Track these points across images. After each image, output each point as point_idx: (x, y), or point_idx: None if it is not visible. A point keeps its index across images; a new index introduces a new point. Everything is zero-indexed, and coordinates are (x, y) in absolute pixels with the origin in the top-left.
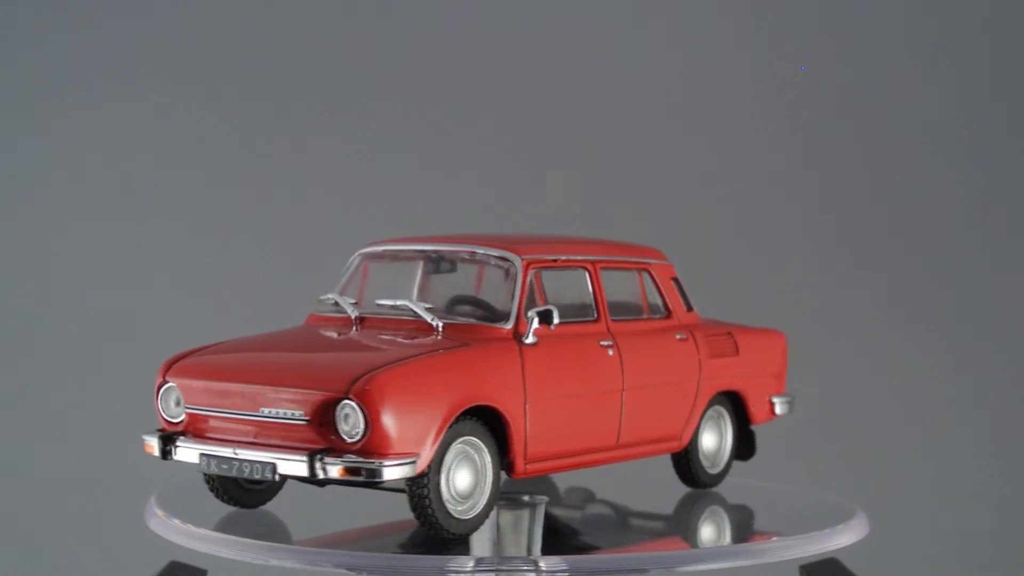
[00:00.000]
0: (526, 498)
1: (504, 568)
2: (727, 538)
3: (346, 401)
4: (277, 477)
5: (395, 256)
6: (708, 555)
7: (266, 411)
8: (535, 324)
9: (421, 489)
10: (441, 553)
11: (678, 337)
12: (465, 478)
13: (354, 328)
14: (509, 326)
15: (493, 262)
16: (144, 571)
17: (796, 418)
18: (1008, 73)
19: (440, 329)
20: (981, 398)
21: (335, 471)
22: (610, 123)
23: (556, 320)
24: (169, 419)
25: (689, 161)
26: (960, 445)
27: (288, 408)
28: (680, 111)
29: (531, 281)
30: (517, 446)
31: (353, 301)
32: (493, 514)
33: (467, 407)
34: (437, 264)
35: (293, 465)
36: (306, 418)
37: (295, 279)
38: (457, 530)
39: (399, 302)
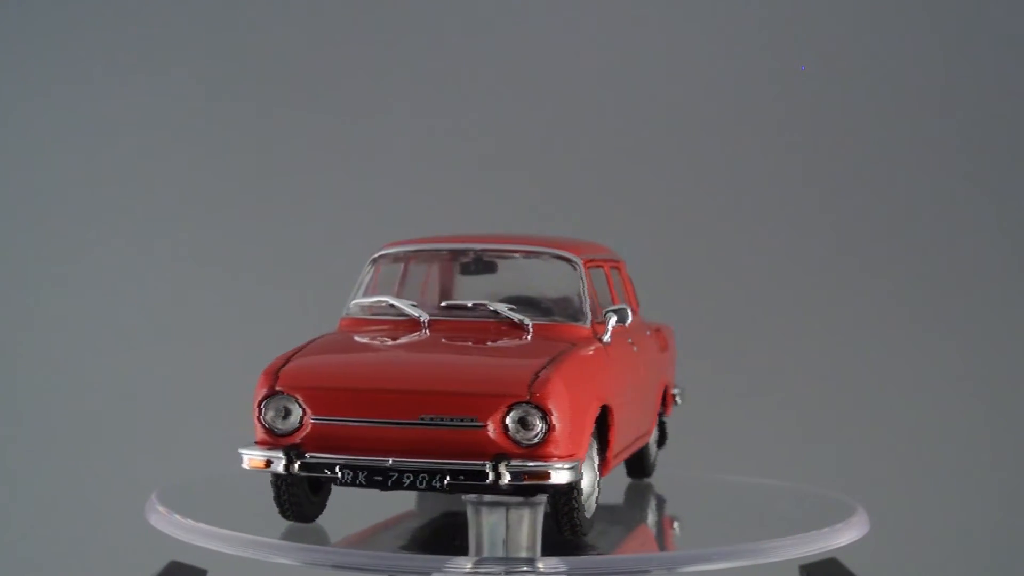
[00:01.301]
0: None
1: (502, 569)
2: (727, 538)
3: (526, 404)
4: (446, 485)
5: (431, 256)
6: (708, 555)
7: (428, 417)
8: (613, 323)
9: (571, 490)
10: (439, 553)
11: (648, 333)
12: (587, 477)
13: (424, 330)
14: (588, 325)
15: (553, 262)
16: (144, 571)
17: (796, 418)
18: (1009, 72)
19: (531, 329)
20: (981, 398)
21: (519, 476)
22: (609, 123)
23: (629, 319)
24: (276, 431)
25: (671, 162)
26: (960, 445)
27: (458, 413)
28: (680, 111)
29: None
30: (613, 443)
31: (414, 303)
32: (493, 514)
33: (600, 407)
34: (475, 264)
35: (467, 471)
36: (480, 423)
37: (292, 281)
38: (587, 531)
39: (479, 303)
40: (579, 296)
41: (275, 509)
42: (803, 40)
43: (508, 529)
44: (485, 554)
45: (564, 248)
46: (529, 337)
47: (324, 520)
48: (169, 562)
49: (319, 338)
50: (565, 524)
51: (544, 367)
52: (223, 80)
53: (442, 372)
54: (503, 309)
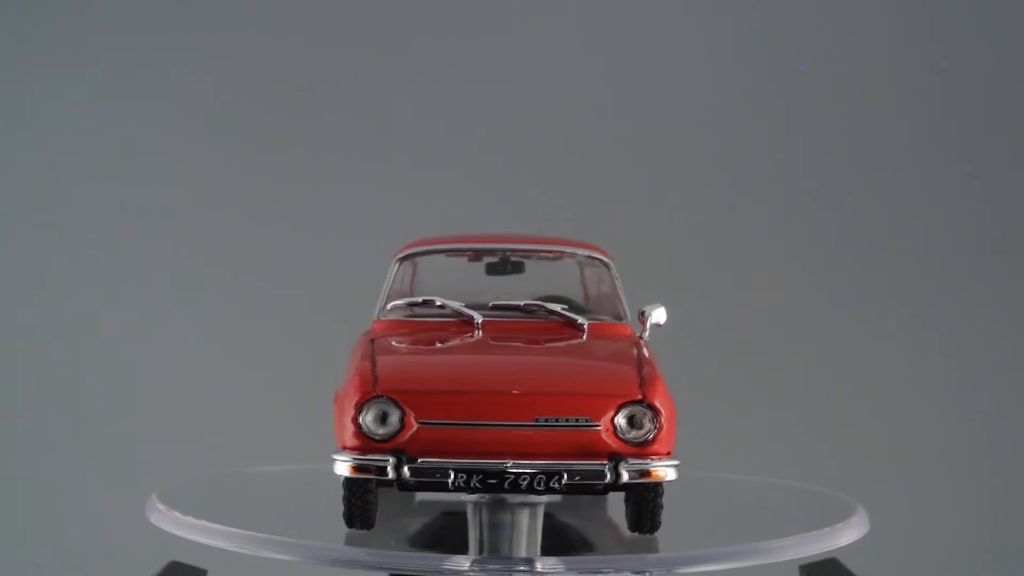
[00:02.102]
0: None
1: (501, 568)
2: (727, 538)
3: (638, 404)
4: (563, 486)
5: (459, 256)
6: (708, 555)
7: (543, 419)
8: (652, 321)
9: (659, 487)
10: (439, 552)
11: None
12: None
13: (477, 331)
14: (629, 323)
15: (586, 262)
16: (144, 571)
17: (796, 417)
18: (1009, 71)
19: (587, 329)
20: (982, 398)
21: (636, 475)
22: (610, 123)
23: (665, 318)
24: (374, 437)
25: (667, 164)
26: (961, 444)
27: (572, 414)
28: (681, 111)
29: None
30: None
31: (464, 304)
32: (493, 513)
33: None
34: (503, 264)
35: (586, 472)
36: (594, 423)
37: (293, 281)
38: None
39: (531, 303)
40: (615, 295)
41: (276, 508)
42: (803, 40)
43: (508, 528)
44: (484, 553)
45: (596, 248)
46: (585, 336)
47: (324, 518)
48: (169, 562)
49: (380, 339)
50: (647, 521)
51: (641, 366)
52: (224, 80)
53: (551, 373)
54: (558, 309)
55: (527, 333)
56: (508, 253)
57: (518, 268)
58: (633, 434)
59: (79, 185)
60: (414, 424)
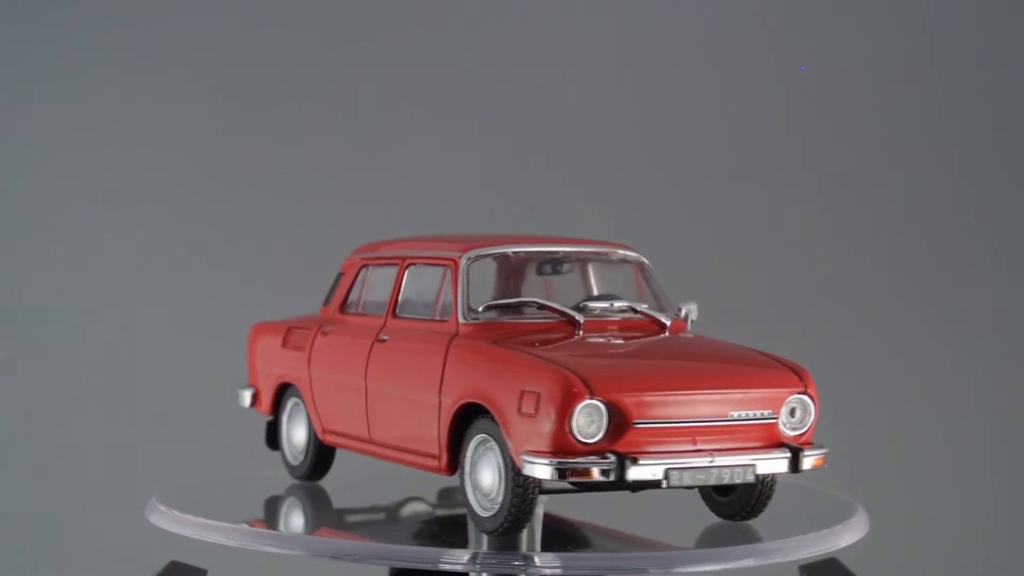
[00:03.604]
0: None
1: (500, 563)
2: (727, 538)
3: (802, 395)
4: (758, 478)
5: (512, 258)
6: (707, 555)
7: (736, 414)
8: (691, 317)
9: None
10: (439, 546)
11: None
12: None
13: (579, 330)
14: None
15: (637, 263)
16: (144, 571)
17: None
18: (1009, 70)
19: (671, 326)
20: (982, 397)
21: (809, 464)
22: (608, 122)
23: (696, 314)
24: (584, 440)
25: (670, 161)
26: (960, 444)
27: (758, 408)
28: (680, 111)
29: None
30: None
31: (574, 305)
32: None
33: None
34: (556, 265)
35: (773, 463)
36: (774, 416)
37: (295, 281)
38: None
39: (620, 303)
40: (661, 294)
41: (275, 508)
42: (803, 40)
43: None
44: (484, 548)
45: (628, 248)
46: (667, 333)
47: (323, 517)
48: (169, 562)
49: (515, 341)
50: (759, 508)
51: (775, 359)
52: (223, 79)
53: (734, 370)
54: (643, 308)
55: (630, 331)
56: (566, 255)
57: (570, 270)
58: (792, 424)
59: (79, 185)
60: (627, 425)
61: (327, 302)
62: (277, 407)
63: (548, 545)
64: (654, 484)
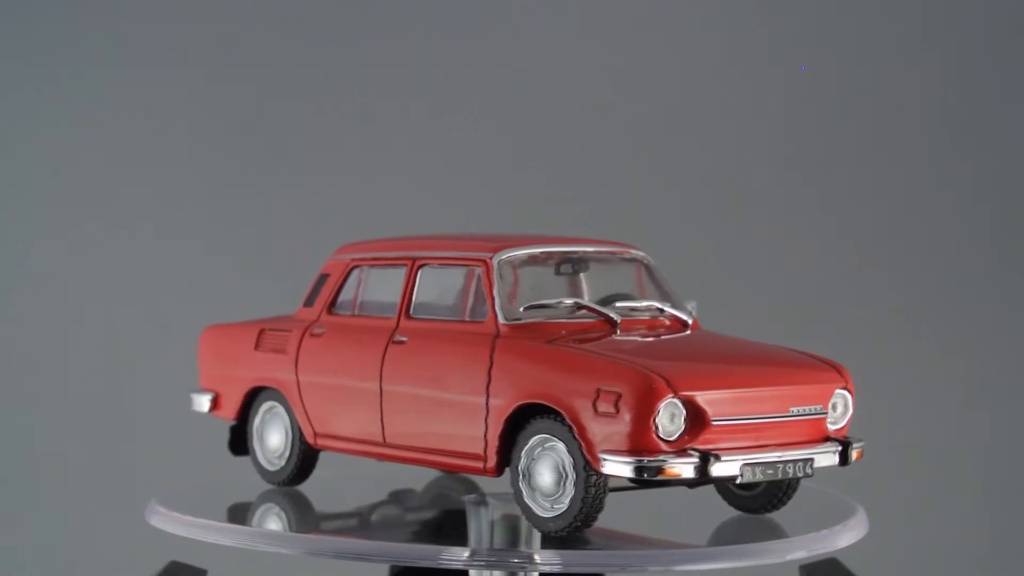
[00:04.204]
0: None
1: (499, 560)
2: (727, 538)
3: (843, 390)
4: (814, 471)
5: (535, 259)
6: (707, 554)
7: (795, 410)
8: (693, 315)
9: None
10: (438, 543)
11: None
12: None
13: (616, 329)
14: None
15: (649, 263)
16: (144, 571)
17: None
18: (1010, 69)
19: (693, 324)
20: (981, 397)
21: (856, 455)
22: (606, 122)
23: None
24: (666, 438)
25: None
26: (961, 445)
27: (812, 404)
28: (680, 112)
29: None
30: None
31: (618, 305)
32: (493, 506)
33: None
34: (575, 265)
35: (827, 457)
36: (824, 410)
37: (295, 281)
38: None
39: (646, 303)
40: (673, 293)
41: (274, 508)
42: (803, 40)
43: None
44: (483, 545)
45: (635, 247)
46: (689, 331)
47: (322, 515)
48: (169, 562)
49: (567, 340)
50: (785, 500)
51: (808, 355)
52: (221, 77)
53: (787, 368)
54: (667, 308)
55: (657, 330)
56: (586, 255)
57: (586, 268)
58: (835, 417)
59: (78, 184)
60: (705, 423)
61: (310, 303)
62: (246, 412)
63: (547, 542)
64: (729, 480)
